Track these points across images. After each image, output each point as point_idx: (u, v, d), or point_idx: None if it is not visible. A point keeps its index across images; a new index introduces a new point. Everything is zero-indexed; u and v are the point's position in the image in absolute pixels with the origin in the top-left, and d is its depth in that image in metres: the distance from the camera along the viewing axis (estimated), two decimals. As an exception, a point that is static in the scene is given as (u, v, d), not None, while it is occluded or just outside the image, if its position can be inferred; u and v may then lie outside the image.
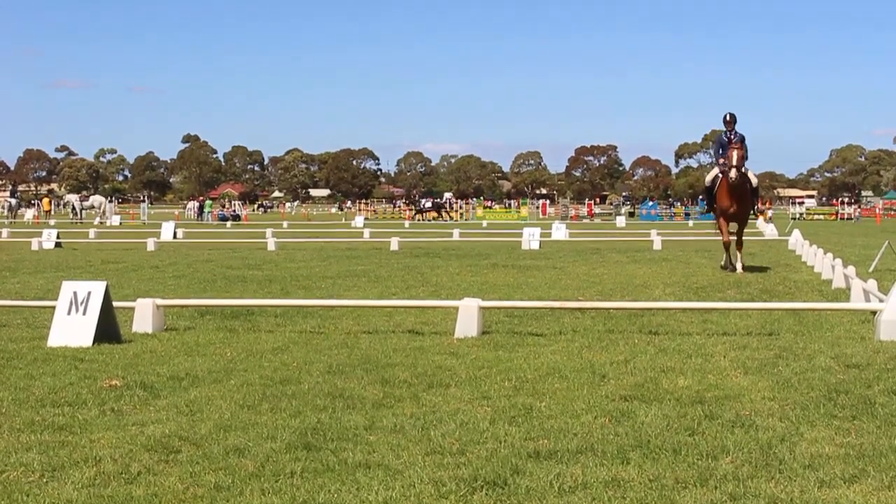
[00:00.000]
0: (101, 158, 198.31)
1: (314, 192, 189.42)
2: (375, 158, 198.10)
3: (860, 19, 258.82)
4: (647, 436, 6.51)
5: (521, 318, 12.37)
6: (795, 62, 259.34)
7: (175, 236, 37.26)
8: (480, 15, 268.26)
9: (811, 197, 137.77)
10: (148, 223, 61.87)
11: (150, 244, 30.41)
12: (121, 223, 62.88)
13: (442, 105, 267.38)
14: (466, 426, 6.82)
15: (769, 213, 76.92)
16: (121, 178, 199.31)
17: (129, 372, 8.89)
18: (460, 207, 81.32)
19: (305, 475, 5.70)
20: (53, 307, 10.79)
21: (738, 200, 19.80)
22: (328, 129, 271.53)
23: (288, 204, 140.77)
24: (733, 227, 20.25)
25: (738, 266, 19.86)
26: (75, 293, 10.60)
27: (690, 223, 60.36)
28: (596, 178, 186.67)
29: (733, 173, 19.31)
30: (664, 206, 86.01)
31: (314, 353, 9.97)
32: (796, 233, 28.84)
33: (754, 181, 20.45)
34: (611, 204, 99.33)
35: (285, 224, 58.21)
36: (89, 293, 10.57)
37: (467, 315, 11.02)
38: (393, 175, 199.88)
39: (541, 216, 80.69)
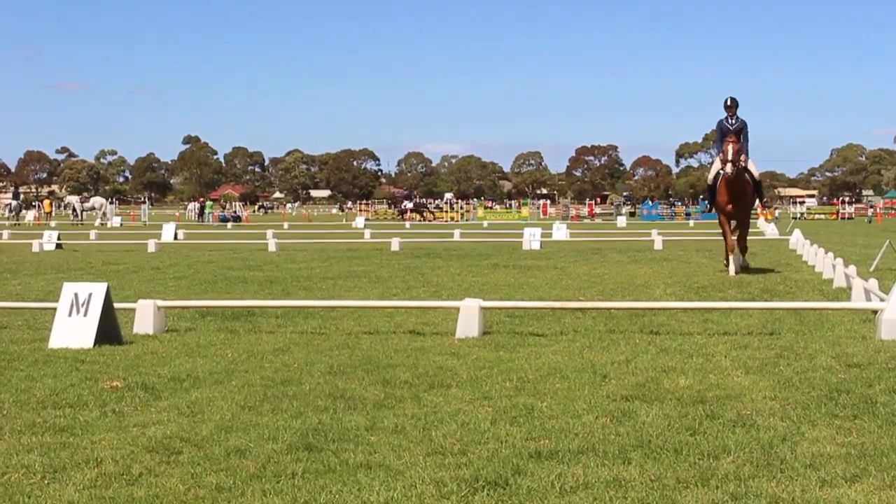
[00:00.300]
0: (102, 160, 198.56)
1: (315, 193, 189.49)
2: (376, 159, 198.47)
3: (860, 19, 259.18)
4: (649, 436, 6.51)
5: (522, 319, 12.36)
6: (796, 62, 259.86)
7: (176, 237, 37.27)
8: (481, 15, 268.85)
9: (812, 196, 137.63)
10: (148, 224, 61.92)
11: (151, 245, 30.41)
12: (121, 224, 62.94)
13: (442, 105, 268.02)
14: (468, 426, 6.82)
15: (776, 212, 76.93)
16: (121, 179, 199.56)
17: (130, 373, 8.89)
18: (461, 208, 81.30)
19: (307, 476, 5.70)
20: (54, 309, 10.78)
21: (736, 197, 18.85)
22: (329, 129, 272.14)
23: (288, 205, 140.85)
24: (735, 225, 19.24)
25: (733, 266, 18.80)
26: (76, 295, 10.60)
27: (691, 223, 60.33)
28: (596, 178, 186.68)
29: (728, 168, 18.31)
30: (665, 206, 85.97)
31: (315, 353, 9.97)
32: (797, 232, 28.84)
33: (756, 174, 19.46)
34: (611, 204, 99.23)
35: (286, 225, 58.19)
36: (90, 295, 10.57)
37: (468, 315, 11.02)
38: (394, 175, 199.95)
39: (541, 216, 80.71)
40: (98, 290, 10.65)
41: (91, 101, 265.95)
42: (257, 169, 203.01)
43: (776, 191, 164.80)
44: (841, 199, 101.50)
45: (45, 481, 5.66)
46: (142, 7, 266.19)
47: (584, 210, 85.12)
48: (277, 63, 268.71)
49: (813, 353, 9.63)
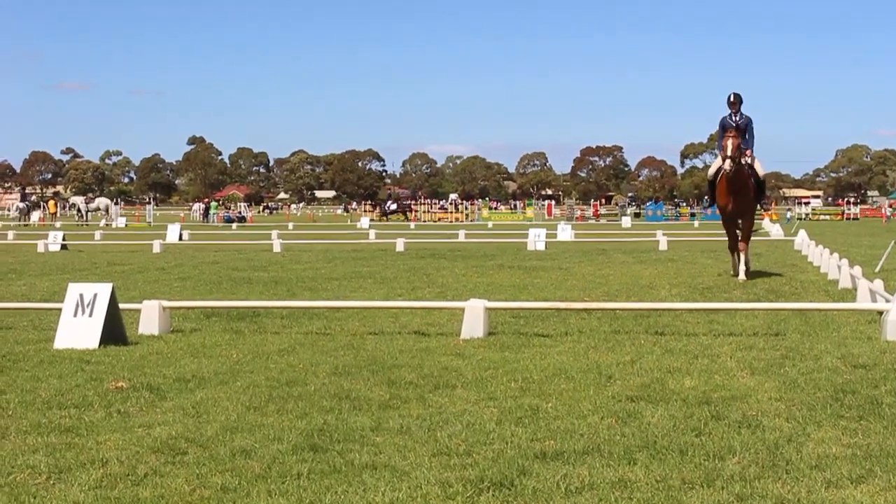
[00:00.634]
0: (107, 160, 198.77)
1: (319, 194, 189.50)
2: (381, 160, 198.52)
3: (865, 19, 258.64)
4: (654, 436, 6.50)
5: (527, 319, 12.36)
6: (801, 62, 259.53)
7: (181, 238, 37.33)
8: (485, 16, 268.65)
9: (817, 197, 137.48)
10: (153, 225, 61.99)
11: (156, 246, 30.44)
12: (126, 225, 63.03)
13: (447, 106, 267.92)
14: (473, 427, 6.82)
15: (787, 213, 76.68)
16: (126, 180, 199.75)
17: (135, 374, 8.90)
18: (465, 208, 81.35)
19: (312, 476, 5.70)
20: (60, 309, 10.80)
21: (736, 195, 18.00)
22: (333, 130, 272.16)
23: (293, 205, 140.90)
24: (739, 225, 18.42)
25: (740, 271, 18.13)
26: (81, 295, 10.61)
27: (696, 224, 60.29)
28: (601, 178, 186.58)
29: (727, 164, 17.46)
30: (670, 207, 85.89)
31: (320, 354, 9.97)
32: (802, 233, 28.80)
33: (761, 172, 18.53)
34: (616, 205, 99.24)
35: (291, 226, 58.22)
36: (95, 295, 10.58)
37: (473, 316, 11.01)
38: (398, 176, 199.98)
39: (546, 217, 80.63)
40: (103, 290, 10.66)
41: (95, 102, 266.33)
42: (262, 170, 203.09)
43: (781, 191, 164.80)
44: (846, 199, 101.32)
45: (51, 482, 5.66)
46: (146, 7, 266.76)
47: (589, 211, 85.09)
48: (282, 63, 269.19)
49: (818, 354, 9.61)
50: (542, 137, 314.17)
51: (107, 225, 61.79)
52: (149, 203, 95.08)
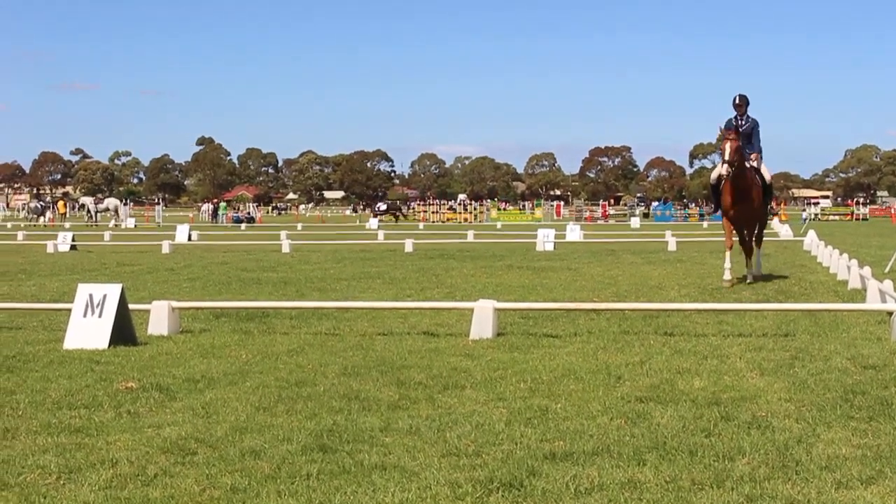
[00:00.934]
0: (116, 161, 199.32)
1: (328, 195, 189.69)
2: (389, 160, 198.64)
3: (874, 19, 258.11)
4: (663, 437, 6.49)
5: (536, 320, 12.35)
6: (811, 63, 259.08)
7: (190, 239, 37.37)
8: (494, 16, 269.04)
9: (826, 197, 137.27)
10: (162, 226, 62.07)
11: (165, 247, 30.49)
12: (135, 226, 63.18)
13: (456, 107, 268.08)
14: (482, 428, 6.81)
15: (803, 214, 76.35)
16: (135, 180, 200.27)
17: (144, 374, 8.91)
18: (474, 209, 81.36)
19: (321, 477, 5.71)
20: (69, 310, 10.82)
21: (738, 200, 17.12)
22: (342, 130, 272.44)
23: (302, 206, 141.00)
24: (744, 232, 17.89)
25: (750, 270, 17.84)
26: (91, 296, 10.63)
27: (705, 224, 60.20)
28: (610, 179, 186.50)
29: (725, 169, 16.60)
30: (678, 207, 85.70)
31: (329, 354, 9.98)
32: (811, 233, 28.77)
33: (767, 177, 17.79)
34: (625, 205, 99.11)
35: (299, 226, 58.27)
36: (105, 296, 10.60)
37: (482, 316, 11.01)
38: (407, 177, 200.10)
39: (555, 217, 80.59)
40: (113, 291, 10.68)
41: (104, 103, 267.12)
42: (271, 170, 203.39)
43: (790, 192, 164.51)
44: (855, 199, 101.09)
45: (61, 482, 5.68)
46: (155, 7, 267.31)
47: (598, 211, 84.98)
48: (291, 64, 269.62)
49: (828, 355, 9.59)
50: (550, 138, 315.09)
51: (116, 225, 61.91)
52: (158, 204, 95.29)
